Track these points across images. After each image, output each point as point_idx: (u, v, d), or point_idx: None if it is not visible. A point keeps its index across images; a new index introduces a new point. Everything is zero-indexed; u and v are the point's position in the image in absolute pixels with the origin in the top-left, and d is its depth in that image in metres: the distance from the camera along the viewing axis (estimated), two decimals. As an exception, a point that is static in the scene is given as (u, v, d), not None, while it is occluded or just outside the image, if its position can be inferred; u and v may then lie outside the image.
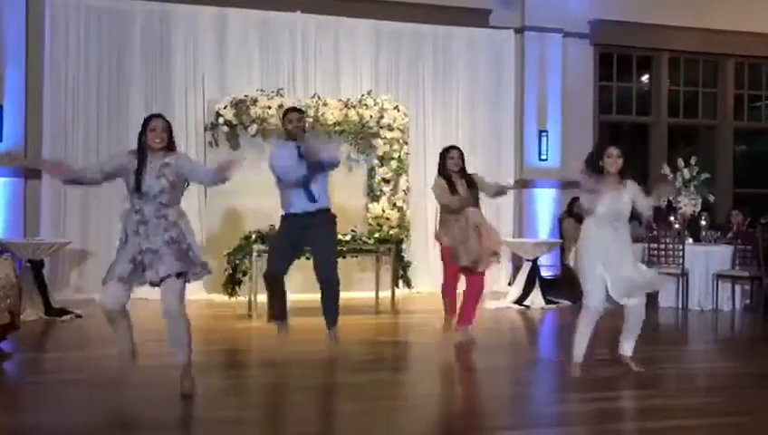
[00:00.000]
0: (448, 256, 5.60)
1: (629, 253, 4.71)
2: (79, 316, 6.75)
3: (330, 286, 5.10)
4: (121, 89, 8.31)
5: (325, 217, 5.12)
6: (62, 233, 7.91)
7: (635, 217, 4.92)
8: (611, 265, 4.56)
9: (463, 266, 5.54)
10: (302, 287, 7.93)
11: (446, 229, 5.61)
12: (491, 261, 5.65)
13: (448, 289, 5.81)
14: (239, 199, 8.00)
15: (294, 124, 5.11)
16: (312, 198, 5.02)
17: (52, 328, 6.39)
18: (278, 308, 5.21)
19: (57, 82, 8.11)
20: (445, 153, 5.75)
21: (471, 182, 5.71)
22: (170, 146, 4.12)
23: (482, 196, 5.84)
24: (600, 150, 4.71)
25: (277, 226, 5.40)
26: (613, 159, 4.60)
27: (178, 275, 3.96)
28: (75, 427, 3.60)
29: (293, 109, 5.36)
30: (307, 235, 5.07)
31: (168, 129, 4.12)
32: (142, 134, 4.08)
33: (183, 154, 4.29)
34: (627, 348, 4.81)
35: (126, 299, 4.08)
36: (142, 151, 4.05)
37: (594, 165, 4.66)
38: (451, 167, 5.66)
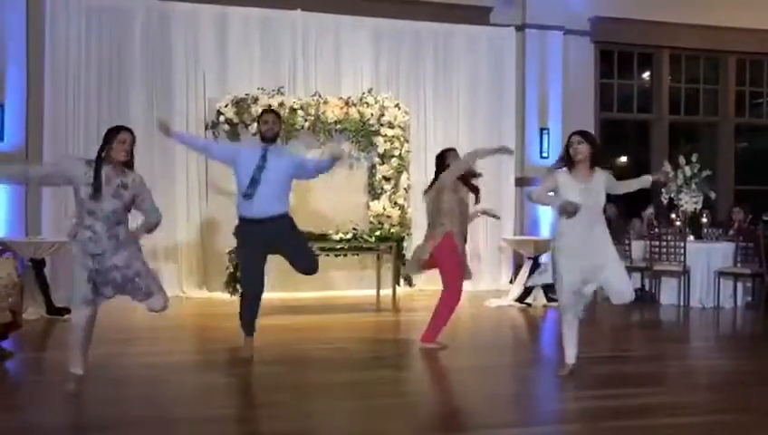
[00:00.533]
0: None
1: (610, 249, 4.52)
2: (80, 315, 6.75)
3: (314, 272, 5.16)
4: (122, 87, 8.31)
5: (283, 223, 4.98)
6: (63, 232, 7.90)
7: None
8: (586, 263, 4.42)
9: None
10: (294, 286, 7.97)
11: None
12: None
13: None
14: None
15: (269, 126, 5.03)
16: (258, 202, 4.86)
17: (54, 327, 6.40)
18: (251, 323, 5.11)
19: (58, 80, 8.11)
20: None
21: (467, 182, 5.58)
22: (131, 162, 4.08)
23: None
24: (568, 141, 4.53)
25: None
26: (574, 148, 4.43)
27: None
28: (76, 425, 3.61)
29: (269, 110, 5.27)
30: (274, 243, 4.95)
31: (134, 144, 4.07)
32: (106, 143, 3.98)
33: (140, 179, 4.14)
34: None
35: (95, 313, 4.13)
36: (100, 162, 3.95)
37: (566, 157, 4.50)
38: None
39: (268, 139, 5.04)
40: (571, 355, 4.61)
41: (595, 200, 4.46)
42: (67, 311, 6.76)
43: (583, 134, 4.51)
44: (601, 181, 4.50)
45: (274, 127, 5.05)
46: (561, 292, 4.56)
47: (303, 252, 5.16)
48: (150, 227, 4.27)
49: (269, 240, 4.92)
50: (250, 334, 5.10)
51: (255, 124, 8.12)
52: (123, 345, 5.48)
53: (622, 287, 4.53)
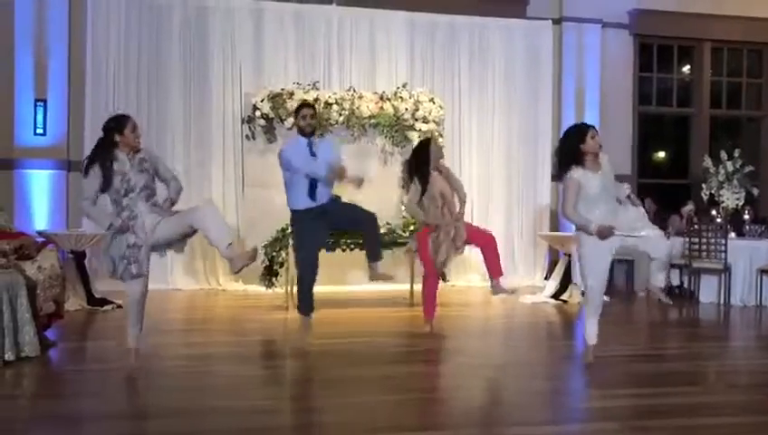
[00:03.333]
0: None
1: (623, 207, 4.56)
2: (119, 307, 6.88)
3: (369, 222, 5.31)
4: (160, 82, 8.44)
5: (330, 202, 5.24)
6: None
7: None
8: (624, 234, 4.49)
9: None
10: (328, 280, 8.00)
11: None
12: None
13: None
14: (276, 192, 8.05)
15: (307, 121, 5.17)
16: (312, 198, 5.13)
17: (94, 318, 6.54)
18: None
19: (98, 75, 8.27)
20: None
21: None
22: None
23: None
24: (579, 135, 4.51)
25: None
26: (594, 140, 4.47)
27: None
28: (115, 414, 3.69)
29: (306, 104, 5.40)
30: (325, 221, 5.20)
31: None
32: (117, 132, 4.23)
33: (152, 151, 4.49)
34: (657, 279, 4.73)
35: (146, 287, 4.38)
36: (111, 150, 4.22)
37: (573, 153, 4.47)
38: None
39: (308, 133, 5.19)
40: (592, 336, 4.67)
41: (609, 185, 4.53)
42: (106, 302, 6.92)
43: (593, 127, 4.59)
44: (606, 162, 4.57)
45: (312, 121, 5.22)
46: (591, 274, 4.58)
47: (358, 214, 5.35)
48: (175, 198, 4.45)
49: (328, 219, 5.20)
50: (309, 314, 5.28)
51: (291, 119, 8.24)
52: (162, 336, 5.57)
53: (659, 242, 4.55)
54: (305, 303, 5.26)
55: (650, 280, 4.78)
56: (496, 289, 5.71)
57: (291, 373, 4.72)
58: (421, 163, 5.72)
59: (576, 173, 4.46)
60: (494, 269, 5.66)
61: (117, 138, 4.23)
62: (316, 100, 8.19)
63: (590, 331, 4.71)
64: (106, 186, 4.18)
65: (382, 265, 5.39)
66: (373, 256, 5.34)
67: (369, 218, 5.35)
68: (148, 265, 4.28)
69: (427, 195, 5.65)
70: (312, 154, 5.17)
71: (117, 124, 4.27)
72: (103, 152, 4.21)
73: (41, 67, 8.07)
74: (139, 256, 4.20)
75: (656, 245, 4.54)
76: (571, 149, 4.50)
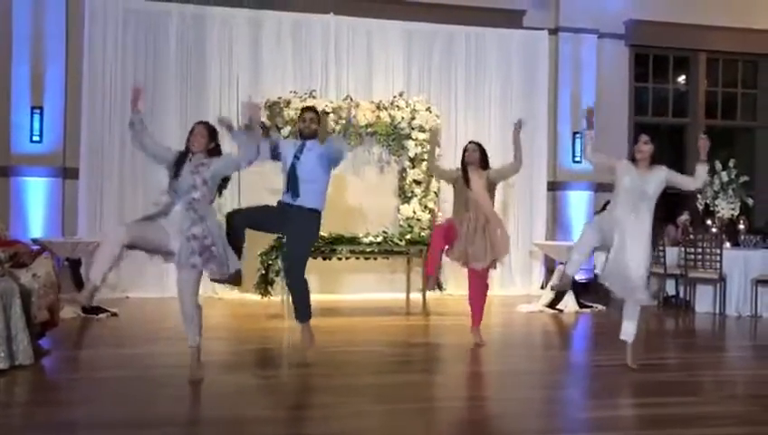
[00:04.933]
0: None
1: (644, 244, 4.75)
2: (114, 314, 6.88)
3: (292, 282, 5.04)
4: (157, 90, 8.44)
5: (304, 213, 4.99)
6: (98, 232, 8.05)
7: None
8: (619, 247, 4.68)
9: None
10: (324, 288, 8.01)
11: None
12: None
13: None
14: (273, 200, 8.04)
15: (306, 124, 5.11)
16: (295, 194, 4.97)
17: (89, 326, 6.51)
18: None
19: (95, 83, 8.27)
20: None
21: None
22: (216, 150, 4.53)
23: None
24: (634, 140, 5.08)
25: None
26: (639, 146, 4.92)
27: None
28: (109, 423, 3.66)
29: (308, 108, 5.33)
30: (286, 223, 5.02)
31: (212, 134, 4.54)
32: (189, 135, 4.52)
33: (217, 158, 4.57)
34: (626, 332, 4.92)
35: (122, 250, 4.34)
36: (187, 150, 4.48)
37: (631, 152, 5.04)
38: (467, 159, 5.73)
39: (305, 136, 5.10)
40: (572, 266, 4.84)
41: (642, 188, 4.82)
42: (101, 310, 6.88)
43: (650, 136, 5.02)
44: (659, 175, 4.91)
45: (312, 126, 5.09)
46: (577, 245, 4.85)
47: (293, 253, 5.05)
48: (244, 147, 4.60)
49: (287, 220, 5.00)
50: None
51: (288, 127, 8.25)
52: (159, 345, 5.55)
53: (637, 283, 4.71)
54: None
55: (621, 331, 4.91)
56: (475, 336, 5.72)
57: (287, 383, 4.70)
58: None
59: (624, 162, 4.96)
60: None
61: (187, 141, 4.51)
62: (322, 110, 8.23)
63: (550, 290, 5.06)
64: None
65: (306, 330, 5.07)
66: (297, 317, 5.09)
67: (295, 277, 5.01)
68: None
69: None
70: (296, 156, 5.01)
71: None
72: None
73: (37, 74, 8.06)
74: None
75: (624, 275, 4.71)
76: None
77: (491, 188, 5.71)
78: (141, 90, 4.67)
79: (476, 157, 5.71)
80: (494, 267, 5.80)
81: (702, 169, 5.05)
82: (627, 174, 4.86)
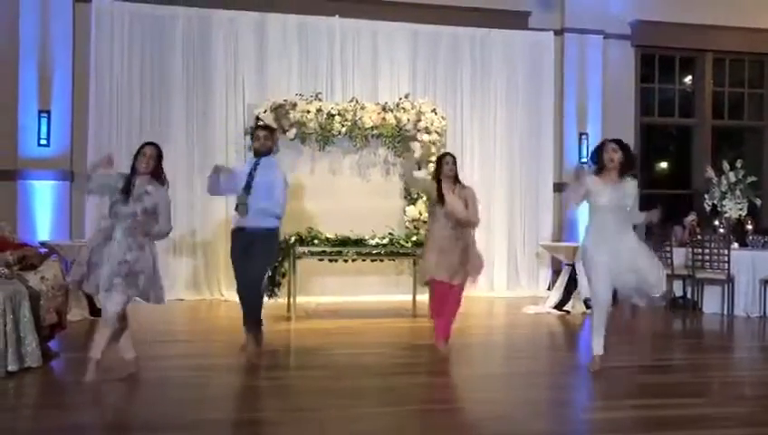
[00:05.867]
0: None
1: (632, 236, 4.75)
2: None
3: (250, 292, 5.08)
4: (164, 94, 8.48)
5: (261, 233, 5.05)
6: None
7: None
8: (617, 257, 4.65)
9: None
10: (330, 290, 8.02)
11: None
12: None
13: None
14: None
15: (261, 142, 5.25)
16: (244, 212, 5.05)
17: (97, 328, 6.51)
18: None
19: (102, 87, 8.31)
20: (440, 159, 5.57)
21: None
22: (157, 173, 4.56)
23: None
24: (601, 145, 4.83)
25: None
26: (609, 154, 4.71)
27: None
28: (117, 425, 3.68)
29: (261, 127, 5.53)
30: (248, 248, 5.05)
31: (157, 157, 4.56)
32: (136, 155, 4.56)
33: (163, 192, 4.57)
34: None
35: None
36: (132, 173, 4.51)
37: (597, 160, 4.80)
38: (446, 172, 5.44)
39: (259, 154, 5.25)
40: (599, 346, 4.74)
41: (622, 203, 4.71)
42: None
43: (619, 143, 4.78)
44: (632, 189, 4.75)
45: (266, 142, 5.25)
46: (594, 275, 4.72)
47: (252, 274, 5.08)
48: (158, 235, 4.57)
49: (248, 245, 5.07)
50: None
51: (294, 130, 8.28)
52: (165, 347, 5.57)
53: (653, 277, 4.70)
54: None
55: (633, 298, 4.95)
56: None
57: (293, 385, 4.71)
58: None
59: (589, 180, 4.74)
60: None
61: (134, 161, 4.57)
62: (319, 110, 8.25)
63: (597, 341, 4.77)
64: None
65: (255, 341, 5.11)
66: (246, 326, 5.14)
67: (253, 291, 5.09)
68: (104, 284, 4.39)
69: None
70: (250, 174, 5.12)
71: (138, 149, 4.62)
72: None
73: (45, 78, 8.11)
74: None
75: (649, 284, 4.70)
76: (598, 156, 4.81)
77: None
78: (112, 160, 4.62)
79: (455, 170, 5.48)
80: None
81: (644, 216, 4.93)
82: (602, 194, 4.68)
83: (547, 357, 5.81)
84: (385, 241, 7.40)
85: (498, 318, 7.39)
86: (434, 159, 8.50)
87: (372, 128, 8.43)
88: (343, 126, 8.36)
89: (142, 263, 4.38)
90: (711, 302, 7.86)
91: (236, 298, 5.27)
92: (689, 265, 7.93)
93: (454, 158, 5.54)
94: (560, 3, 9.48)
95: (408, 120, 8.49)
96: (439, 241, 5.32)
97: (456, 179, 5.46)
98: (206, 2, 8.56)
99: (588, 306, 7.51)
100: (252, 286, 5.08)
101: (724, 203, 8.33)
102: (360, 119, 8.37)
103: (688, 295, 8.08)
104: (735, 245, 8.02)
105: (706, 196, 8.64)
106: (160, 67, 8.49)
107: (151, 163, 4.52)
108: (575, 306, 7.76)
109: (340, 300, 8.04)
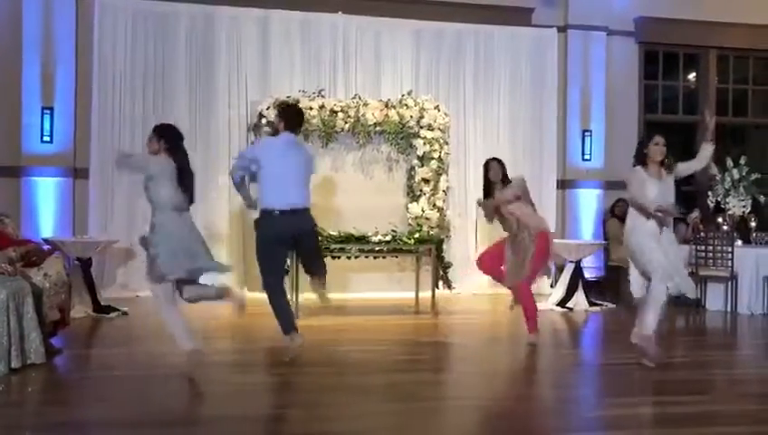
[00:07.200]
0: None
1: (676, 245, 5.02)
2: (125, 313, 6.91)
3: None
4: (167, 90, 8.46)
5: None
6: (109, 232, 8.09)
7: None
8: (666, 253, 4.83)
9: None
10: (333, 287, 7.99)
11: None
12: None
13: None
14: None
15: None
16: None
17: (100, 325, 6.54)
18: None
19: (105, 83, 8.29)
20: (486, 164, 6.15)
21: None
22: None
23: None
24: (647, 139, 4.98)
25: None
26: (659, 148, 4.86)
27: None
28: (121, 422, 3.67)
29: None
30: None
31: (154, 139, 4.71)
32: None
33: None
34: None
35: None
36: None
37: (639, 154, 4.95)
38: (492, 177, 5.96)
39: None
40: (651, 323, 4.78)
41: (667, 197, 4.90)
42: (112, 309, 6.92)
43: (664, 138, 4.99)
44: (671, 179, 4.96)
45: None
46: (645, 253, 4.83)
47: None
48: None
49: None
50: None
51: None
52: (170, 343, 5.55)
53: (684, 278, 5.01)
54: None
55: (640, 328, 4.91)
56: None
57: (297, 381, 4.70)
58: None
59: (640, 171, 4.92)
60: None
61: None
62: (322, 107, 8.24)
63: (650, 320, 4.80)
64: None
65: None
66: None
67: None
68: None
69: None
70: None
71: None
72: None
73: (48, 75, 8.09)
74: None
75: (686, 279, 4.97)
76: (641, 150, 4.97)
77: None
78: None
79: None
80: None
81: (707, 149, 5.07)
82: (652, 187, 4.86)
83: (552, 354, 5.80)
84: (388, 238, 7.38)
85: (502, 315, 7.37)
86: (436, 155, 8.55)
87: (375, 125, 8.41)
88: (346, 123, 8.34)
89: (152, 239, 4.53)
90: (714, 299, 7.84)
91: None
92: (693, 262, 7.91)
93: (497, 161, 6.06)
94: (563, -1, 9.46)
95: (411, 116, 8.47)
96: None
97: (504, 181, 5.94)
98: (209, -2, 8.55)
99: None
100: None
101: (727, 200, 8.30)
102: (362, 115, 8.36)
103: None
104: (739, 242, 8.00)
105: (710, 193, 8.62)
106: (163, 63, 8.47)
107: (154, 145, 4.69)
108: (578, 303, 7.75)
109: (344, 297, 8.03)
